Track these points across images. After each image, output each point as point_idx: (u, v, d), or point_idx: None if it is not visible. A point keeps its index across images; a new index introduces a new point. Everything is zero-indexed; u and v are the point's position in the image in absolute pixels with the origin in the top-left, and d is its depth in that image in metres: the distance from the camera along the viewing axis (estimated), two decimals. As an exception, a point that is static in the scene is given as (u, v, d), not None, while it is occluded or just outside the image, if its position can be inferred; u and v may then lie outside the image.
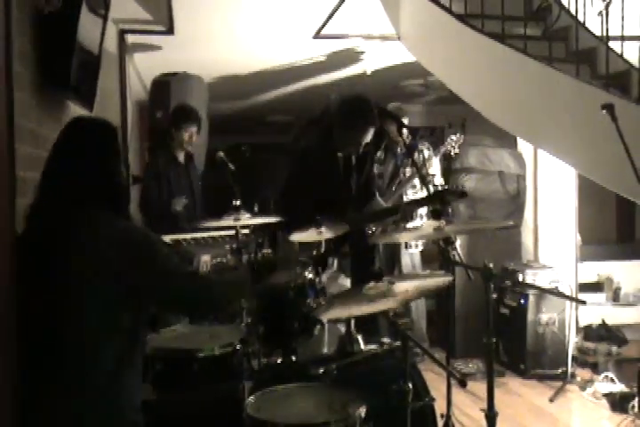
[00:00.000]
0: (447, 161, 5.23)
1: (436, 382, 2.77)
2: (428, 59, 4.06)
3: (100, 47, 2.96)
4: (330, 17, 4.19)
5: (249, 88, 6.31)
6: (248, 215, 2.99)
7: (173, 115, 4.30)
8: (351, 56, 5.09)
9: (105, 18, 2.97)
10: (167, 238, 3.32)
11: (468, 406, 3.53)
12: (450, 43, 3.80)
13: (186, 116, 4.18)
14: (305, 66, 5.41)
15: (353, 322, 2.60)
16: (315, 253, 2.82)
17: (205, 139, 4.92)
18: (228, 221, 2.97)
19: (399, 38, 4.19)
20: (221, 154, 3.52)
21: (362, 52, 5.00)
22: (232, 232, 3.21)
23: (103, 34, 2.98)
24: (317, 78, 5.86)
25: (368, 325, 3.44)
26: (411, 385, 2.02)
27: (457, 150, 4.61)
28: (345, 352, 2.55)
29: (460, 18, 3.54)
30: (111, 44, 4.10)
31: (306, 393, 2.02)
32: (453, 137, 4.57)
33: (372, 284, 2.00)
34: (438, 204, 2.82)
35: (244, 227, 3.14)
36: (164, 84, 4.71)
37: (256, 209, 3.70)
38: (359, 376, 2.33)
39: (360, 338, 2.60)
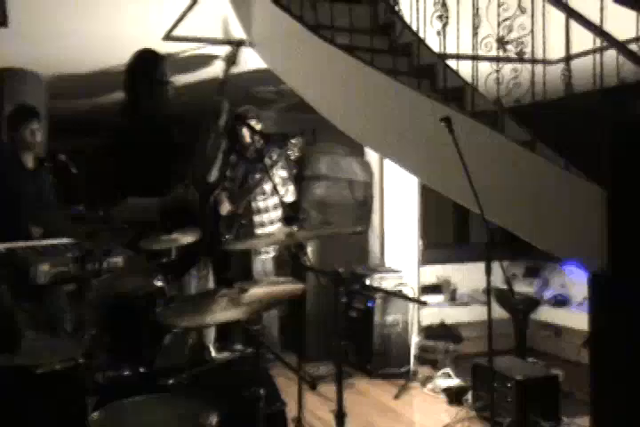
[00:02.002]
0: (298, 167, 5.33)
1: (288, 386, 2.80)
2: (280, 67, 4.11)
3: None
4: (180, 19, 4.11)
5: (93, 87, 6.02)
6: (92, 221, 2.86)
7: (9, 116, 4.01)
8: (203, 60, 5.03)
9: None
10: (1, 247, 3.08)
11: (318, 409, 3.61)
12: (301, 52, 3.88)
13: (23, 114, 3.92)
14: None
15: (206, 330, 2.57)
16: (165, 260, 2.75)
17: (44, 140, 4.62)
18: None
19: (251, 45, 4.20)
20: (63, 157, 3.33)
21: (214, 57, 4.96)
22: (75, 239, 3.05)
23: None
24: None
25: (220, 332, 3.41)
26: (262, 391, 2.03)
27: (298, 154, 4.65)
28: (196, 361, 2.51)
29: (311, 28, 3.63)
30: None
31: (155, 405, 1.96)
32: (293, 140, 4.59)
33: (223, 291, 1.98)
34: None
35: (88, 234, 2.99)
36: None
37: (101, 214, 3.53)
38: (211, 385, 2.30)
39: (212, 346, 2.57)
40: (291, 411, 2.60)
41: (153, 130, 3.18)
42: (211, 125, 3.31)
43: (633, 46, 2.66)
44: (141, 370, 2.36)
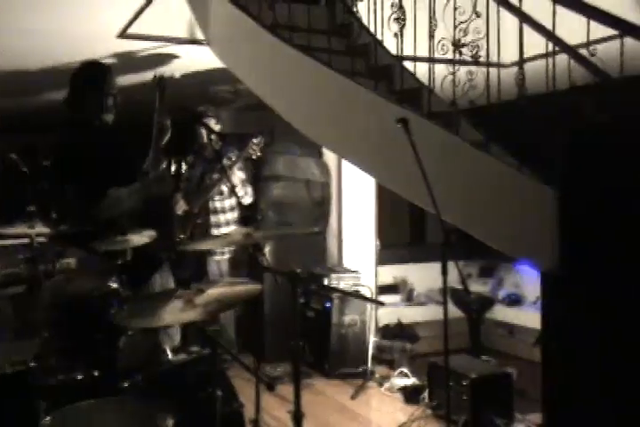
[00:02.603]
0: (256, 167, 5.31)
1: (245, 387, 2.79)
2: (238, 66, 4.08)
3: None
4: (135, 17, 4.05)
5: (43, 84, 5.88)
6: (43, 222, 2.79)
7: None
8: (159, 58, 4.97)
9: None
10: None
11: (276, 409, 3.60)
12: (259, 52, 3.87)
13: None
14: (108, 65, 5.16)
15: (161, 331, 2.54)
16: (120, 261, 2.70)
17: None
18: (20, 229, 2.74)
19: (208, 44, 4.17)
20: (14, 156, 3.24)
21: (170, 55, 4.90)
22: (26, 240, 2.97)
23: None
24: (123, 78, 5.62)
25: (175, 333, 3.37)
26: (219, 392, 2.01)
27: (259, 154, 4.64)
28: (152, 363, 2.48)
29: (269, 28, 3.62)
30: None
31: (110, 408, 1.92)
32: (255, 140, 4.59)
33: (179, 292, 1.96)
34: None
35: (39, 235, 2.92)
36: None
37: (54, 216, 3.46)
38: (167, 386, 2.27)
39: (168, 348, 2.54)
40: (248, 412, 2.59)
41: (103, 143, 3.16)
42: (152, 144, 3.29)
43: (583, 51, 2.73)
44: (95, 373, 2.31)
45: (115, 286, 2.41)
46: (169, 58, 4.91)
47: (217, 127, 4.69)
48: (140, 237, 2.68)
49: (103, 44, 4.58)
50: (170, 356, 2.52)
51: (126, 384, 2.14)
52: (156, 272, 3.55)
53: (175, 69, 5.26)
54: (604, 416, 2.16)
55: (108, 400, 1.97)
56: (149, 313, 2.03)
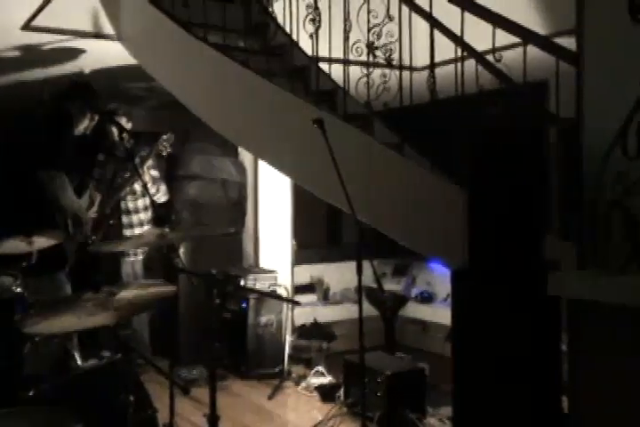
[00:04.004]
0: (170, 167, 5.21)
1: (159, 391, 2.73)
2: (151, 64, 3.99)
3: None
4: (41, 9, 3.88)
5: None
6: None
7: None
8: (67, 52, 4.78)
9: None
10: None
11: (192, 413, 3.54)
12: (173, 50, 3.80)
13: None
14: (10, 58, 4.93)
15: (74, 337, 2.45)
16: (25, 264, 2.59)
17: None
18: None
19: (119, 39, 4.05)
20: None
21: (79, 50, 4.73)
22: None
23: None
24: (30, 73, 5.38)
25: (87, 338, 3.26)
26: (132, 398, 1.96)
27: (169, 150, 4.56)
28: (60, 370, 2.38)
29: (183, 26, 3.56)
30: None
31: (13, 419, 1.83)
32: (164, 137, 4.51)
33: (90, 295, 1.90)
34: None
35: None
36: None
37: None
38: (77, 394, 2.19)
39: (77, 353, 2.45)
40: (162, 417, 2.54)
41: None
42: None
43: (489, 57, 2.84)
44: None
45: (19, 290, 2.31)
46: (76, 52, 4.75)
47: (129, 125, 4.57)
48: (45, 240, 2.57)
49: (6, 37, 4.37)
50: (79, 362, 2.43)
51: (31, 393, 2.05)
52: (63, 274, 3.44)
53: (84, 65, 5.09)
54: (509, 408, 2.26)
55: (11, 411, 1.88)
56: (56, 318, 1.96)
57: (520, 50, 2.74)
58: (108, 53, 4.73)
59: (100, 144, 4.67)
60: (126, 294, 1.96)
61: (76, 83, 4.07)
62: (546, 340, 2.27)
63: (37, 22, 4.08)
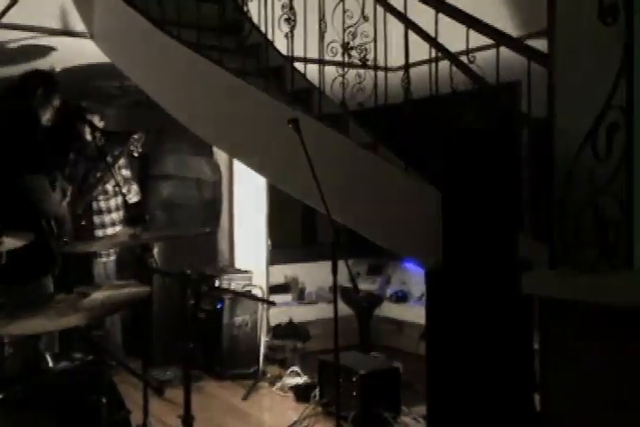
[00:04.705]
0: (143, 166, 5.16)
1: (133, 393, 2.70)
2: (124, 61, 3.96)
3: None
4: (9, 6, 3.82)
5: None
6: None
7: None
8: (37, 50, 4.72)
9: None
10: None
11: (166, 414, 3.51)
12: (147, 47, 3.76)
13: None
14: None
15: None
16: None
17: None
18: None
19: (91, 37, 4.01)
20: None
21: (50, 48, 4.67)
22: None
23: None
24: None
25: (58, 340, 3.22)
26: (104, 399, 1.94)
27: (140, 150, 4.52)
28: (31, 372, 2.35)
29: (157, 24, 3.53)
30: None
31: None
32: (135, 136, 4.48)
33: (61, 296, 1.87)
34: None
35: None
36: None
37: None
38: (49, 396, 2.16)
39: (48, 355, 2.42)
40: (136, 419, 2.51)
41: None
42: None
43: (463, 58, 2.86)
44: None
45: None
46: (47, 50, 4.69)
47: (101, 124, 4.52)
48: (15, 241, 2.53)
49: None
50: (51, 364, 2.40)
51: (1, 396, 2.01)
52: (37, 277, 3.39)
53: (55, 63, 5.02)
54: (482, 406, 2.28)
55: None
56: (28, 319, 1.93)
57: (493, 51, 2.77)
58: (79, 51, 4.67)
59: (71, 143, 4.61)
60: (98, 295, 1.94)
61: (29, 72, 3.80)
62: (519, 339, 2.30)
63: (7, 19, 4.01)
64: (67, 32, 4.24)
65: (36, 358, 2.41)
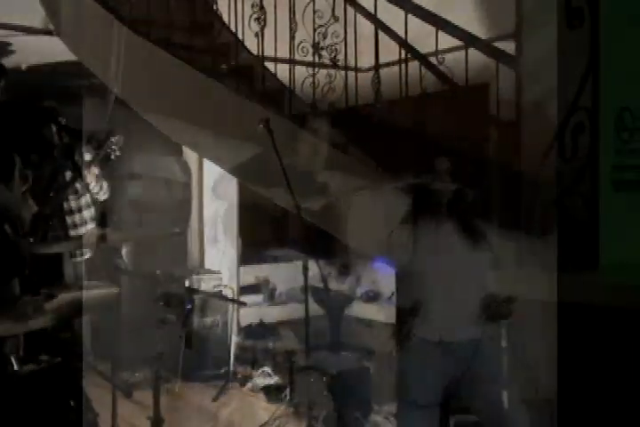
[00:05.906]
0: (111, 166, 5.09)
1: (101, 395, 2.67)
2: (91, 60, 3.91)
3: None
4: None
5: None
6: None
7: None
8: (1, 48, 4.63)
9: None
10: None
11: (134, 417, 3.47)
12: (115, 46, 3.71)
13: None
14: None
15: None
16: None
17: None
18: None
19: (58, 35, 3.95)
20: None
21: (14, 45, 4.59)
22: None
23: None
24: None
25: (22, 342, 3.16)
26: (72, 402, 1.91)
27: (118, 153, 4.48)
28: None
29: (125, 21, 3.49)
30: None
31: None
32: (113, 139, 4.44)
33: (27, 298, 1.84)
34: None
35: None
36: None
37: None
38: (14, 400, 2.12)
39: (13, 358, 2.37)
40: (104, 421, 2.48)
41: None
42: None
43: (432, 59, 2.89)
44: None
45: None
46: (11, 48, 4.61)
47: (64, 122, 4.45)
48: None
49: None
50: (16, 367, 2.35)
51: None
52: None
53: (20, 61, 4.93)
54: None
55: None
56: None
57: (463, 53, 2.80)
58: (45, 49, 4.60)
59: (34, 143, 4.53)
60: (66, 296, 1.91)
61: None
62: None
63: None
64: (35, 30, 4.18)
65: (0, 361, 2.36)
